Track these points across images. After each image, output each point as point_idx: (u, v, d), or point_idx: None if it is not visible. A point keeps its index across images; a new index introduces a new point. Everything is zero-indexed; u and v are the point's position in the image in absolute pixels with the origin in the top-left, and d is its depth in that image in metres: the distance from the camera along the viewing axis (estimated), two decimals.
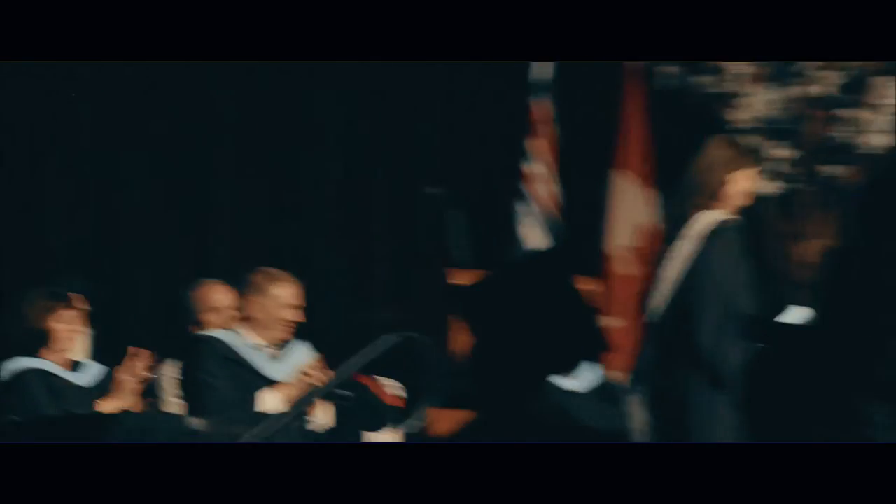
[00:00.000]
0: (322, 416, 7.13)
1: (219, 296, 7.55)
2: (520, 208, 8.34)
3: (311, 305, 7.33)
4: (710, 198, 6.81)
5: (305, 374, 7.06)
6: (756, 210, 7.32)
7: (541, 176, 8.34)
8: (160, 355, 7.26)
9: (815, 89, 8.34)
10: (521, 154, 8.39)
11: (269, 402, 7.05)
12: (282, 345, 7.15)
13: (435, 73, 9.18)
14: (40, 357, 6.93)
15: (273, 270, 7.24)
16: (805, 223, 7.92)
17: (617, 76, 8.22)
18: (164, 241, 9.17)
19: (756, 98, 8.37)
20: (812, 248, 8.02)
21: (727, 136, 7.86)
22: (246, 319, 7.16)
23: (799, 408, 5.91)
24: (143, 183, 9.25)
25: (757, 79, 8.37)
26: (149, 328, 8.33)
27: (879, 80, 8.32)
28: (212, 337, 7.14)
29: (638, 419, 7.14)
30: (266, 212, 9.33)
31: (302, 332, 7.24)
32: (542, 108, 8.37)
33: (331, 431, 7.15)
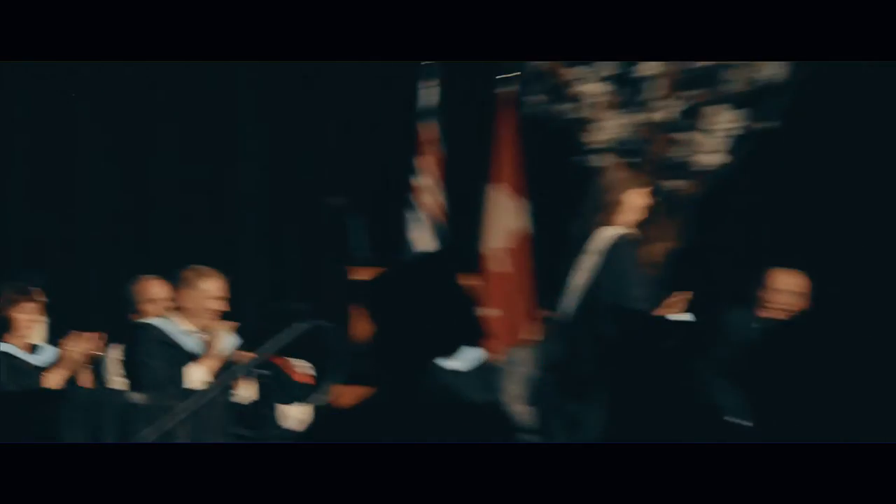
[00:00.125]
0: (244, 391, 7.32)
1: (155, 289, 7.64)
2: (410, 216, 8.36)
3: (234, 297, 7.48)
4: (609, 215, 7.05)
5: (228, 355, 7.28)
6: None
7: (428, 188, 8.33)
8: (106, 339, 7.30)
9: (658, 115, 8.41)
10: (411, 170, 8.36)
11: (198, 379, 7.21)
12: (209, 330, 7.29)
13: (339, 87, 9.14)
14: (4, 342, 7.10)
15: (201, 267, 7.40)
16: (651, 229, 7.82)
17: (494, 102, 8.27)
18: (109, 242, 9.18)
19: (609, 123, 8.42)
20: (657, 250, 8.18)
21: (621, 160, 8.20)
22: (178, 309, 7.36)
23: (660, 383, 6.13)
24: (91, 188, 9.24)
25: (609, 106, 8.42)
26: (96, 317, 8.14)
27: (711, 109, 8.43)
28: (149, 324, 7.34)
29: (512, 393, 7.56)
30: (196, 216, 9.30)
31: (226, 319, 7.40)
32: (428, 129, 8.38)
33: (252, 404, 7.34)
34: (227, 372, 7.21)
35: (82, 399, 7.02)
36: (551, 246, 7.81)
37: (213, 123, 9.32)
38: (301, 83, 9.15)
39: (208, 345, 7.28)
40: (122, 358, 7.37)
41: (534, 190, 8.27)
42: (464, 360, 7.05)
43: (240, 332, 7.45)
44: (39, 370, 7.10)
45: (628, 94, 8.47)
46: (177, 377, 7.19)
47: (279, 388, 7.63)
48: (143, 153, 9.31)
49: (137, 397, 7.10)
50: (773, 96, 8.39)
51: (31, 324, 7.18)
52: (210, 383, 7.16)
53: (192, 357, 7.25)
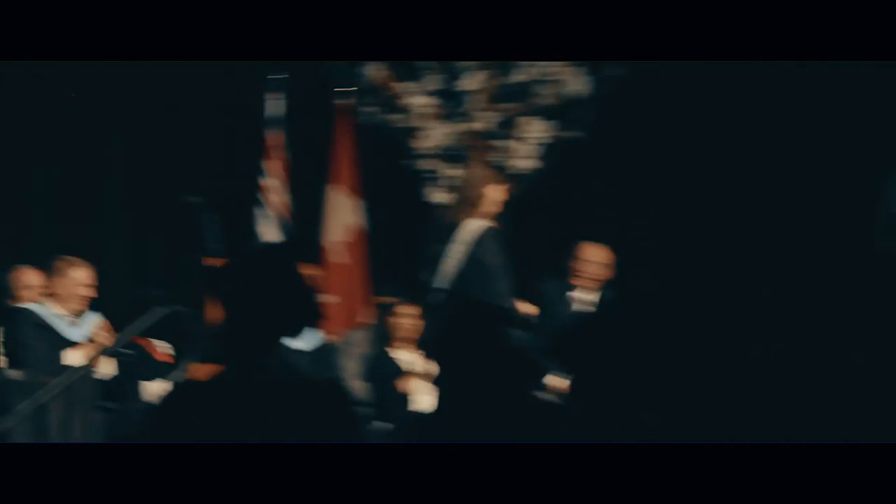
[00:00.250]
0: (105, 369, 7.41)
1: (30, 277, 7.70)
2: (259, 212, 8.46)
3: (101, 284, 7.55)
4: (472, 208, 7.23)
5: (96, 336, 7.41)
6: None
7: (275, 188, 8.45)
8: None
9: (478, 125, 8.77)
10: (260, 171, 8.47)
11: (70, 357, 7.32)
12: (78, 314, 7.42)
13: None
14: None
15: (71, 258, 7.50)
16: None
17: (333, 112, 8.42)
18: None
19: (434, 131, 8.76)
20: None
21: (482, 158, 8.50)
22: (51, 295, 7.45)
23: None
24: None
25: (435, 116, 8.70)
26: None
27: (524, 119, 8.80)
28: (25, 308, 7.44)
29: (349, 370, 7.87)
30: (68, 212, 9.41)
31: (94, 304, 7.49)
32: (275, 136, 8.52)
33: (116, 380, 7.45)
34: (95, 351, 7.31)
35: None
36: (385, 239, 8.29)
37: (82, 123, 9.39)
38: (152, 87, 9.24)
39: (78, 327, 7.36)
40: (1, 339, 7.44)
41: (368, 190, 8.46)
42: (306, 340, 7.25)
43: (106, 315, 7.54)
44: None
45: (452, 106, 8.79)
46: (51, 356, 7.28)
47: (142, 366, 7.80)
48: (23, 153, 9.32)
49: (15, 374, 7.23)
50: (578, 109, 8.77)
51: None
52: (80, 362, 7.27)
53: (63, 338, 7.33)
